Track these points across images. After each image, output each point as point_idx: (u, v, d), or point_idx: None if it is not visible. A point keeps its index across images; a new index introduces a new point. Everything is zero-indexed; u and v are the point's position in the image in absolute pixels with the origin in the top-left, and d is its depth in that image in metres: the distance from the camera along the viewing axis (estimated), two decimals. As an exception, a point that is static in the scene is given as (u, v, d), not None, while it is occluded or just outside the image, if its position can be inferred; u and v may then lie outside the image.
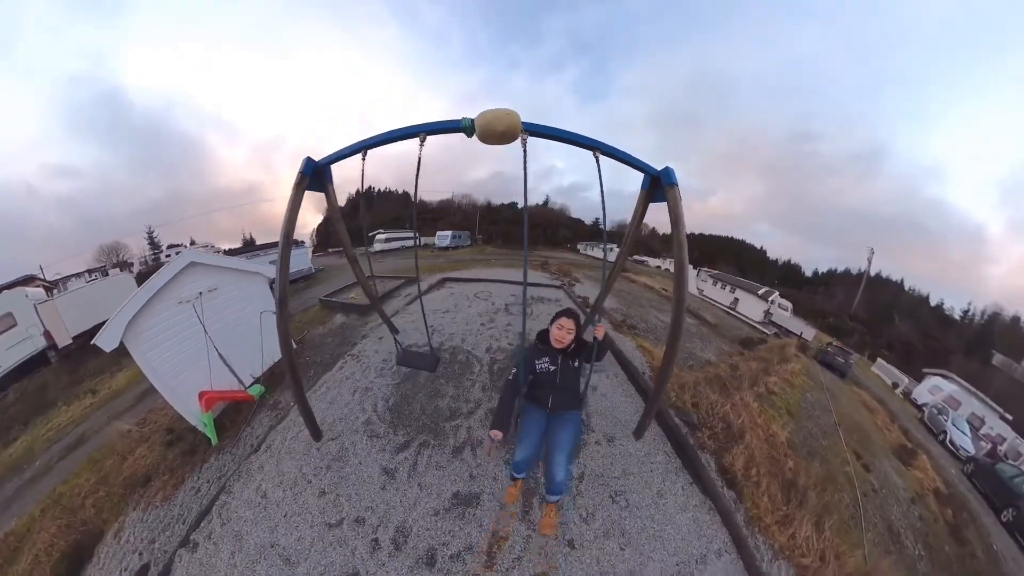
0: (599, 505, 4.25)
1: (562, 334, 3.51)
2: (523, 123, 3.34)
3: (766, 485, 4.82)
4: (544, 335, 3.69)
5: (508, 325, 9.45)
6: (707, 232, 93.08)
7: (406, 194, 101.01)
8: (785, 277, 76.30)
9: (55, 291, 19.35)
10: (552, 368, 3.57)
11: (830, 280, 76.49)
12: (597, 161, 3.68)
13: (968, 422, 20.73)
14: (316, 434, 5.18)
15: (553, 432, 3.56)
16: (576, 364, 3.65)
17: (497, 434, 3.49)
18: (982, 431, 22.13)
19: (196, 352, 6.28)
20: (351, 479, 4.63)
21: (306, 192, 4.13)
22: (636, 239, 5.56)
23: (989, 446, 20.06)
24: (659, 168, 3.86)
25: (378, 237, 44.37)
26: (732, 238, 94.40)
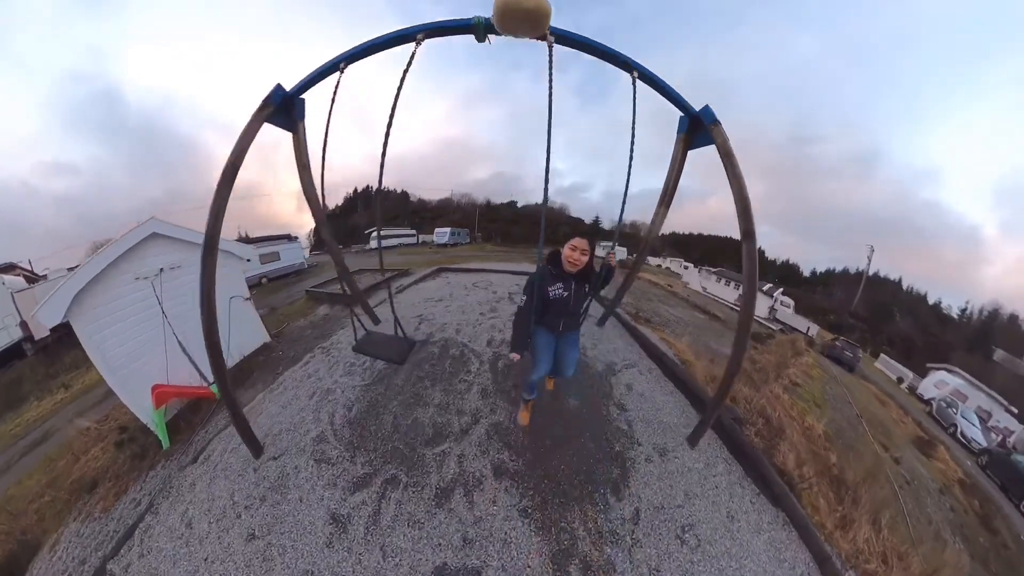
0: (665, 553, 3.11)
1: (576, 256, 3.30)
2: (551, 27, 2.90)
3: (818, 485, 4.26)
4: (555, 259, 3.44)
5: (513, 315, 8.56)
6: (706, 232, 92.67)
7: (404, 193, 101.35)
8: (784, 276, 76.54)
9: (38, 284, 18.63)
10: (565, 294, 3.42)
11: (828, 279, 77.17)
12: (633, 84, 3.37)
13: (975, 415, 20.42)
14: (255, 450, 4.19)
15: (561, 352, 3.78)
16: (587, 290, 3.55)
17: (517, 356, 3.47)
18: (989, 424, 21.79)
19: (153, 338, 5.53)
20: (288, 522, 3.38)
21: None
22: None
23: (999, 438, 19.74)
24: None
25: (374, 235, 43.98)
26: (731, 238, 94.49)
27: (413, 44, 3.10)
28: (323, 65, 3.41)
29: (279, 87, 3.37)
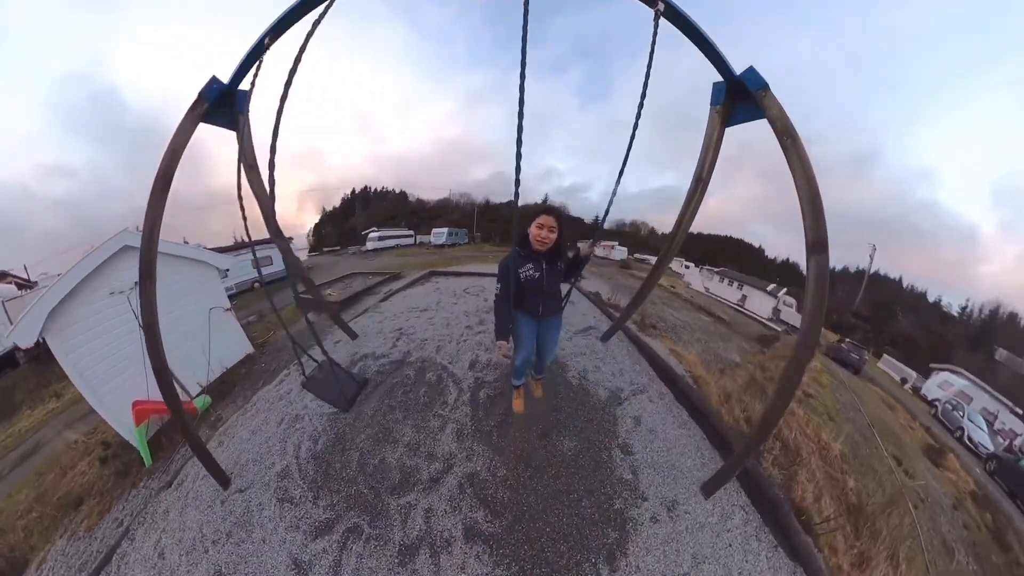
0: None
1: (543, 234, 3.15)
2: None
3: (836, 518, 3.91)
4: (524, 240, 3.29)
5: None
6: (705, 232, 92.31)
7: (403, 193, 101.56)
8: (784, 276, 76.93)
9: (31, 291, 18.41)
10: (537, 274, 3.30)
11: (830, 279, 77.47)
12: (655, 22, 2.85)
13: (982, 417, 20.16)
14: (222, 481, 3.99)
15: (542, 336, 3.77)
16: (560, 267, 3.43)
17: (504, 344, 3.33)
18: (996, 426, 21.56)
19: (131, 354, 5.36)
20: (252, 562, 3.19)
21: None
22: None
23: (1007, 442, 19.47)
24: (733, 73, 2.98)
25: (371, 235, 44.17)
26: (731, 237, 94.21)
27: None
28: (251, 47, 3.07)
29: (214, 80, 2.98)
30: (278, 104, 2.97)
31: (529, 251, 3.27)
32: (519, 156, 2.56)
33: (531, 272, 3.27)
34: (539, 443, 4.13)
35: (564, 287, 3.79)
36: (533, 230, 3.17)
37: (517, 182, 2.67)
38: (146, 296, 2.99)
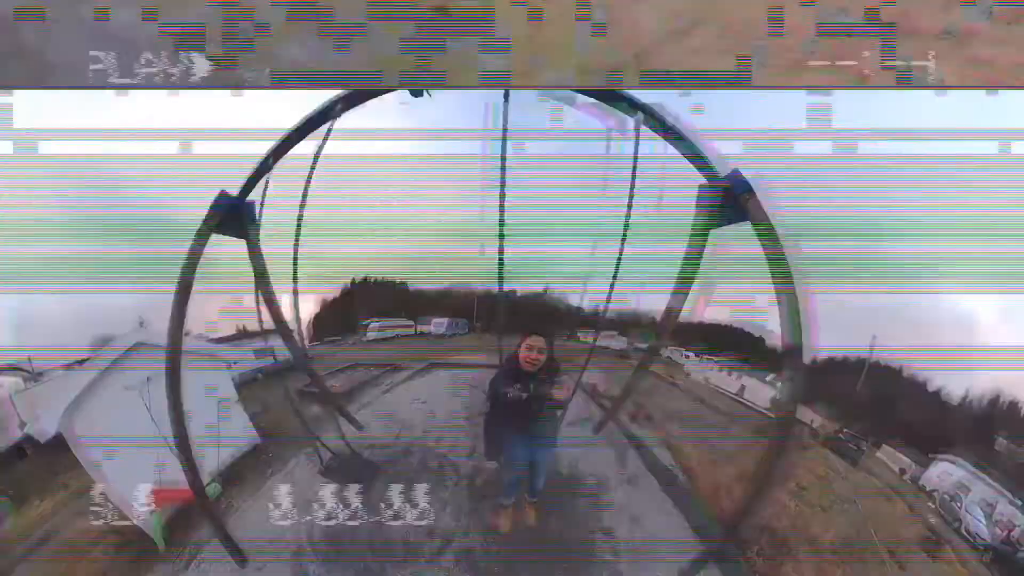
0: None
1: (532, 356, 3.12)
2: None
3: None
4: (515, 359, 3.28)
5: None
6: (707, 321, 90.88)
7: (403, 283, 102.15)
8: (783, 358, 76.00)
9: (37, 382, 18.24)
10: (524, 396, 3.16)
11: (828, 367, 76.47)
12: (636, 132, 2.88)
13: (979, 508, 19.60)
14: (240, 560, 4.19)
15: (532, 460, 3.69)
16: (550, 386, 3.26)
17: (494, 464, 3.46)
18: (994, 517, 20.83)
19: (144, 445, 5.45)
20: None
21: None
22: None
23: (1004, 533, 18.80)
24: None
25: (372, 326, 44.17)
26: (731, 326, 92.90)
27: (337, 118, 3.01)
28: (256, 168, 3.29)
29: (223, 194, 3.18)
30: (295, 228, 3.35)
31: (518, 370, 3.22)
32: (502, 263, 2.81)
33: (518, 392, 3.18)
34: (533, 520, 4.47)
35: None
36: (523, 353, 3.15)
37: (502, 272, 3.01)
38: (174, 392, 3.43)
